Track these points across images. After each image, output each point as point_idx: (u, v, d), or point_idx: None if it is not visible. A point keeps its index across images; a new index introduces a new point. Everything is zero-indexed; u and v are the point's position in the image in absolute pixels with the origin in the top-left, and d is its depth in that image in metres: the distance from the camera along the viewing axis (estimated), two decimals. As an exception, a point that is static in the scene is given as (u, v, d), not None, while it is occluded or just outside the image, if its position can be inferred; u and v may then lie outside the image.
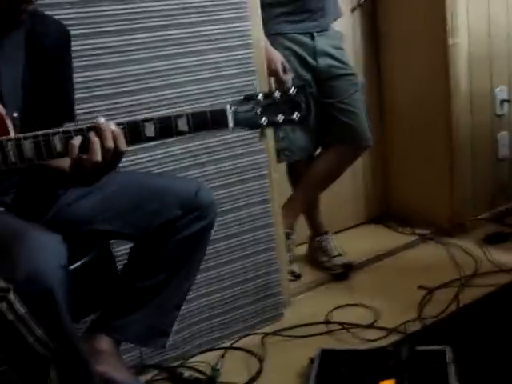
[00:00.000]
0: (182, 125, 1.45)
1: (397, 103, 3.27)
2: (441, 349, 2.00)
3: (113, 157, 1.40)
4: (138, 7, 2.00)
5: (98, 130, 1.39)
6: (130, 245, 1.73)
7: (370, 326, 2.36)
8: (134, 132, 1.43)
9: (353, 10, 3.16)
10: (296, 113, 1.50)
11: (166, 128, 1.45)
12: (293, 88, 1.50)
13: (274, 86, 1.51)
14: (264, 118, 1.49)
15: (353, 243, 3.08)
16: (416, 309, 2.42)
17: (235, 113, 1.47)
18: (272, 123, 1.51)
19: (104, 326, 1.66)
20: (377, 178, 3.46)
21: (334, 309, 2.49)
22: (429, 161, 3.20)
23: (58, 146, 1.41)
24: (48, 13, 1.66)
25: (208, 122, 1.47)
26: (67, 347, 1.33)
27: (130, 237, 1.67)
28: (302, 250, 3.00)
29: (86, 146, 1.40)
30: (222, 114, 1.47)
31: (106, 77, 1.97)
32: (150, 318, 1.68)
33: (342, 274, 2.80)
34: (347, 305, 2.53)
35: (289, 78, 2.38)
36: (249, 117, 1.48)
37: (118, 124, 1.42)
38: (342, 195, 3.29)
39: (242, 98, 1.49)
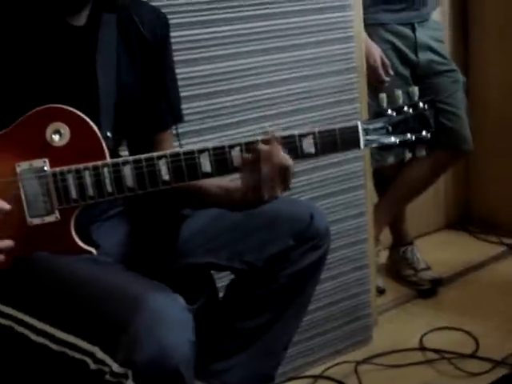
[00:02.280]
0: (308, 146, 1.22)
1: (486, 99, 2.99)
2: None
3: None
4: (235, -6, 1.74)
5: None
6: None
7: (473, 356, 2.11)
8: None
9: (442, -5, 2.85)
10: (425, 131, 1.27)
11: (292, 150, 1.21)
12: (422, 102, 1.27)
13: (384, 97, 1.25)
14: (395, 137, 1.26)
15: (434, 253, 2.83)
16: (523, 335, 2.18)
17: (367, 131, 1.24)
18: (403, 143, 1.27)
19: (202, 370, 1.42)
20: (458, 179, 3.21)
21: (426, 332, 2.25)
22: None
23: (165, 173, 1.18)
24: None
25: (337, 141, 1.23)
26: None
27: (237, 270, 1.42)
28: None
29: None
30: (352, 131, 1.24)
31: (196, 74, 1.72)
32: (255, 362, 1.45)
33: (429, 290, 2.56)
34: (441, 328, 2.28)
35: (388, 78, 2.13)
36: (380, 135, 1.25)
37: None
38: (420, 198, 3.00)
39: (373, 113, 1.27)
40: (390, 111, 1.25)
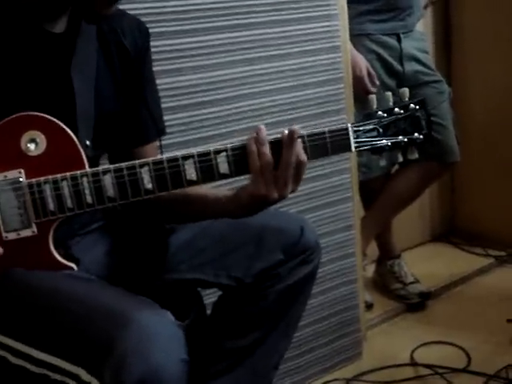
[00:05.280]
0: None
1: (470, 110, 2.96)
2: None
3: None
4: (219, 2, 1.70)
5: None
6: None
7: (465, 371, 2.07)
8: None
9: (425, 7, 2.83)
10: (416, 133, 1.23)
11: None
12: (413, 103, 1.23)
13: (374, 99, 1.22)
14: (386, 140, 1.22)
15: (421, 265, 2.79)
16: (512, 347, 2.15)
17: (357, 133, 1.20)
18: (395, 146, 1.23)
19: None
20: (443, 191, 3.18)
21: (417, 347, 2.20)
22: (504, 174, 2.92)
23: (147, 182, 1.12)
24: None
25: (327, 144, 1.18)
26: None
27: (225, 286, 1.36)
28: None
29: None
30: (342, 134, 1.19)
31: (180, 85, 1.67)
32: (244, 382, 1.38)
33: (418, 303, 2.52)
34: (432, 342, 2.23)
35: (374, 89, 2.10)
36: (371, 138, 1.21)
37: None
38: (405, 210, 2.95)
39: (363, 115, 1.22)
40: (380, 113, 1.21)
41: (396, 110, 1.22)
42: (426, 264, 2.87)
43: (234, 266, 1.33)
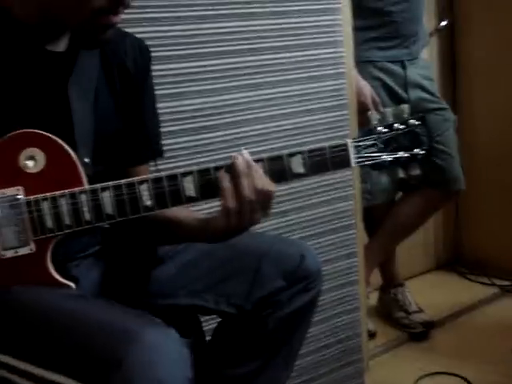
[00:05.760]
0: (297, 165, 1.17)
1: (475, 138, 2.95)
2: None
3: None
4: (225, 27, 1.70)
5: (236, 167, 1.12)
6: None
7: (470, 403, 2.04)
8: None
9: (430, 34, 2.84)
10: (417, 149, 1.22)
11: (279, 171, 1.16)
12: (413, 118, 1.22)
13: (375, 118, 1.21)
14: (386, 155, 1.21)
15: (424, 294, 2.75)
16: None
17: (357, 148, 1.19)
18: (396, 161, 1.22)
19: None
20: (448, 219, 3.16)
21: (420, 377, 2.17)
22: (509, 203, 2.90)
23: (146, 198, 1.11)
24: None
25: (327, 160, 1.18)
26: None
27: (224, 313, 1.34)
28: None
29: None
30: (342, 150, 1.19)
31: (185, 109, 1.66)
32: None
33: (422, 333, 2.49)
34: (436, 373, 2.20)
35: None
36: (371, 154, 1.20)
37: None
38: (409, 238, 2.93)
39: (362, 131, 1.22)
40: (380, 128, 1.20)
41: (396, 125, 1.21)
42: (430, 293, 2.84)
43: (233, 292, 1.31)
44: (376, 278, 2.63)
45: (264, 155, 1.15)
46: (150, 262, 1.33)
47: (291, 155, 1.16)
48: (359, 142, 1.19)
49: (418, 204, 2.41)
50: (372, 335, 2.43)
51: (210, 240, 1.23)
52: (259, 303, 1.31)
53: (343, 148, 1.18)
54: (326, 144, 1.17)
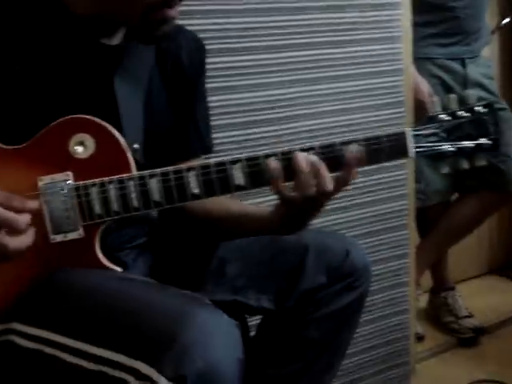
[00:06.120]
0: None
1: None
2: None
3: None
4: (279, 20, 1.67)
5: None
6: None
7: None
8: None
9: (492, 32, 2.74)
10: (484, 138, 1.14)
11: (334, 159, 1.10)
12: (480, 105, 1.14)
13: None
14: (450, 145, 1.14)
15: (476, 299, 2.69)
16: None
17: (416, 137, 1.12)
18: (460, 152, 1.15)
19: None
20: (502, 222, 3.07)
21: (468, 384, 2.11)
22: None
23: (194, 186, 1.09)
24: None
25: (383, 149, 1.12)
26: None
27: (263, 311, 1.31)
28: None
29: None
30: (400, 138, 1.12)
31: (234, 102, 1.64)
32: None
33: (471, 338, 2.42)
34: (484, 381, 2.14)
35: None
36: (432, 143, 1.13)
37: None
38: (462, 241, 2.86)
39: (424, 118, 1.15)
40: (442, 116, 1.13)
41: (460, 112, 1.14)
42: (482, 298, 2.76)
43: (275, 288, 1.28)
44: (426, 280, 2.57)
45: (316, 143, 1.11)
46: (200, 256, 1.32)
47: (346, 143, 1.11)
48: (419, 130, 1.13)
49: (475, 206, 2.34)
50: (420, 338, 2.38)
51: (279, 231, 1.21)
52: (301, 300, 1.27)
53: (401, 137, 1.12)
54: (383, 133, 1.12)
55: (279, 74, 1.69)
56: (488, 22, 2.43)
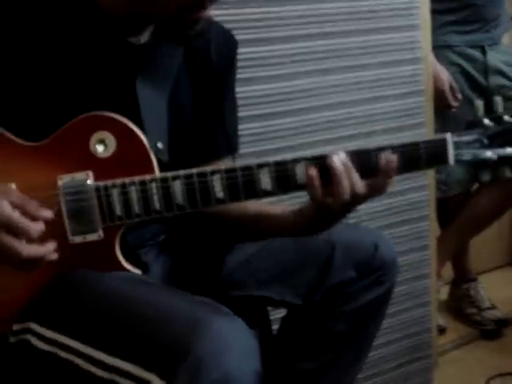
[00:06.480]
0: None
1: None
2: None
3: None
4: (295, 10, 1.64)
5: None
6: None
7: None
8: None
9: (512, 19, 2.70)
10: None
11: (367, 165, 1.06)
12: None
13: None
14: (492, 152, 1.09)
15: (497, 290, 2.66)
16: None
17: (457, 144, 1.07)
18: (503, 160, 1.10)
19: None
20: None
21: (492, 377, 2.08)
22: None
23: (219, 190, 1.06)
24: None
25: (421, 157, 1.07)
26: None
27: (290, 305, 1.30)
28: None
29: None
30: (440, 145, 1.07)
31: (252, 94, 1.62)
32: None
33: (494, 330, 2.39)
34: (508, 374, 2.10)
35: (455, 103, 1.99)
36: (474, 150, 1.08)
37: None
38: (483, 232, 2.82)
39: (466, 123, 1.10)
40: (486, 121, 1.09)
41: (507, 117, 1.09)
42: (504, 289, 2.73)
43: (302, 283, 1.27)
44: (448, 271, 2.54)
45: (350, 148, 1.07)
46: (221, 252, 1.30)
47: (379, 149, 1.06)
48: (461, 137, 1.08)
49: (496, 196, 2.30)
50: (442, 331, 2.36)
51: (306, 232, 1.19)
52: (328, 294, 1.26)
53: (441, 144, 1.07)
54: (421, 139, 1.07)
55: (296, 65, 1.66)
56: (508, 8, 2.39)
